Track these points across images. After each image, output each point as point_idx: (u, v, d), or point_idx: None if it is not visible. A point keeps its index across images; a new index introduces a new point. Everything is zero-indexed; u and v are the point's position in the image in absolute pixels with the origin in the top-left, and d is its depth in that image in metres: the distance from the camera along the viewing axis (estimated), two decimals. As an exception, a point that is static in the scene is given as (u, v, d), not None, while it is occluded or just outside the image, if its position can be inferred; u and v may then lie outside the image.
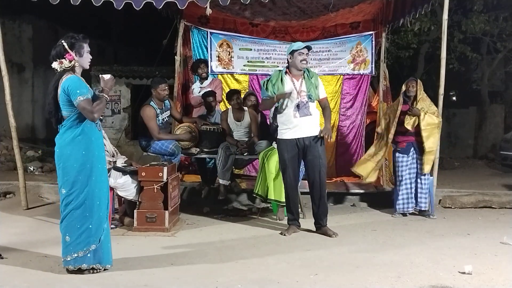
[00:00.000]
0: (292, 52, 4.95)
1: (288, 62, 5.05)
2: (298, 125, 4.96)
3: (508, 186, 7.77)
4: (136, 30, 14.92)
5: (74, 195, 3.58)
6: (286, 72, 5.03)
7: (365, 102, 7.89)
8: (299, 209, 5.86)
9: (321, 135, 4.95)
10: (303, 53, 4.91)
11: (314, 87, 4.97)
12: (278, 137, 5.09)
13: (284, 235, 4.99)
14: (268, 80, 5.05)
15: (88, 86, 3.69)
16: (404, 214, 5.95)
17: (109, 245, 3.76)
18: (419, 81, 5.97)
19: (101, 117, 4.00)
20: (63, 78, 3.57)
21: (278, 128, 5.11)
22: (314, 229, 5.15)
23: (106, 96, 3.69)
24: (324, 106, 5.15)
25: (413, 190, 5.90)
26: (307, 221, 5.51)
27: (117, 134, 11.43)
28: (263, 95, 5.19)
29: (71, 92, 3.51)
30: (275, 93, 4.91)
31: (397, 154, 5.97)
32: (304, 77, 5.00)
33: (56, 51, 3.63)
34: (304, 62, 4.93)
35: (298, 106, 4.93)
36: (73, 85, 3.53)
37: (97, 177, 3.64)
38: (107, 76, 3.77)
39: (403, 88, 5.96)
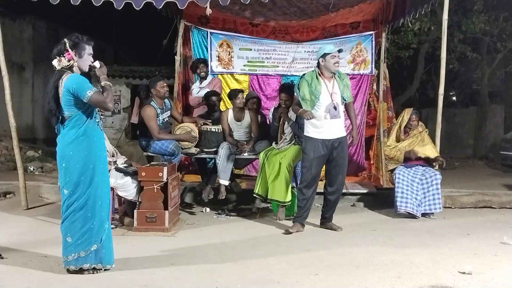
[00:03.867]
0: (324, 55, 5.04)
1: (318, 65, 5.13)
2: (328, 127, 5.08)
3: (508, 186, 7.76)
4: (136, 30, 14.91)
5: (76, 196, 3.57)
6: (319, 74, 5.10)
7: (365, 102, 7.87)
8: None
9: (349, 138, 5.24)
10: (336, 56, 5.03)
11: (348, 88, 5.16)
12: (305, 134, 5.16)
13: (290, 232, 5.06)
14: (302, 81, 5.08)
15: None
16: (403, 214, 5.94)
17: (111, 245, 3.76)
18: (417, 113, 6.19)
19: (101, 116, 4.01)
20: (63, 78, 3.55)
21: (305, 127, 5.17)
22: (315, 226, 5.27)
23: (109, 83, 3.70)
24: (350, 108, 5.37)
25: (418, 195, 5.88)
26: (307, 220, 5.52)
27: (117, 134, 11.44)
28: (297, 97, 5.20)
29: (79, 90, 3.50)
30: (317, 97, 4.98)
31: (397, 170, 5.99)
32: (335, 78, 5.11)
33: (58, 49, 3.63)
34: (337, 64, 5.06)
35: (329, 108, 5.04)
36: (78, 83, 3.52)
37: (99, 177, 3.64)
38: (97, 64, 3.76)
39: (405, 118, 6.06)
